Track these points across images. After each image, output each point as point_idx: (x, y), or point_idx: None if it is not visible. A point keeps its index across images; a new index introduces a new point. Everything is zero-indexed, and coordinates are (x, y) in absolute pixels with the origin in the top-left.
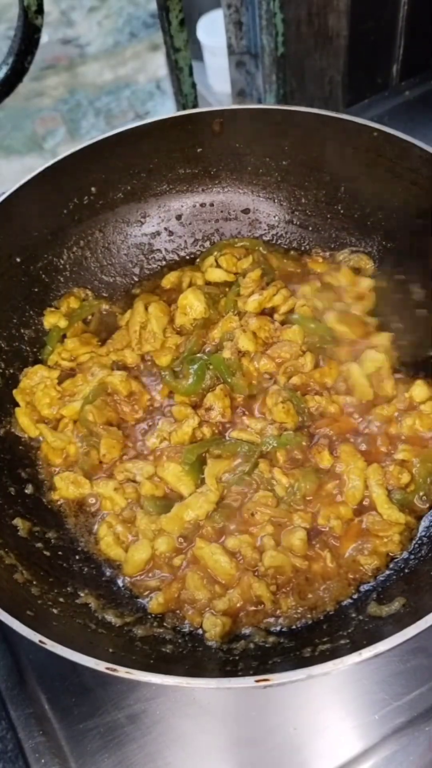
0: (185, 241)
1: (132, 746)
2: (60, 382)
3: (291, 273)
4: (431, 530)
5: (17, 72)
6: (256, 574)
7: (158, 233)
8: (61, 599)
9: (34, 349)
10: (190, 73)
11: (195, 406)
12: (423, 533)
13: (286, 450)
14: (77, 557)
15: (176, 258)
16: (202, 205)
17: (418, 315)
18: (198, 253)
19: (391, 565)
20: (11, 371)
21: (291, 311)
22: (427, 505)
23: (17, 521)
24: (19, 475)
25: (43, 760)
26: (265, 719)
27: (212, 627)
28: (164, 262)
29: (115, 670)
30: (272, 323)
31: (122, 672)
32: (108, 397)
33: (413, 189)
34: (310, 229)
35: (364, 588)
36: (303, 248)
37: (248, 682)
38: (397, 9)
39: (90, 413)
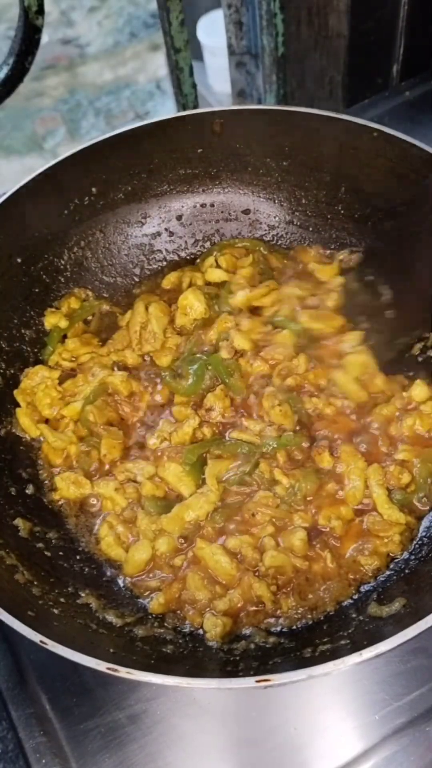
0: (186, 242)
1: (133, 746)
2: (61, 383)
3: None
4: (431, 530)
5: (18, 72)
6: (256, 574)
7: (159, 234)
8: (62, 599)
9: (35, 350)
10: (191, 73)
11: (195, 407)
12: (423, 533)
13: (286, 451)
14: (78, 557)
15: (177, 258)
16: (203, 205)
17: (387, 317)
18: (198, 253)
19: (391, 566)
20: (12, 372)
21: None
22: (428, 506)
23: (18, 521)
24: (19, 475)
25: (43, 761)
26: (266, 719)
27: (213, 627)
28: (165, 263)
29: (116, 670)
30: (264, 326)
31: (123, 672)
32: (109, 397)
33: (414, 189)
34: (311, 229)
35: (364, 588)
36: None
37: (249, 682)
38: (397, 9)
39: (91, 413)
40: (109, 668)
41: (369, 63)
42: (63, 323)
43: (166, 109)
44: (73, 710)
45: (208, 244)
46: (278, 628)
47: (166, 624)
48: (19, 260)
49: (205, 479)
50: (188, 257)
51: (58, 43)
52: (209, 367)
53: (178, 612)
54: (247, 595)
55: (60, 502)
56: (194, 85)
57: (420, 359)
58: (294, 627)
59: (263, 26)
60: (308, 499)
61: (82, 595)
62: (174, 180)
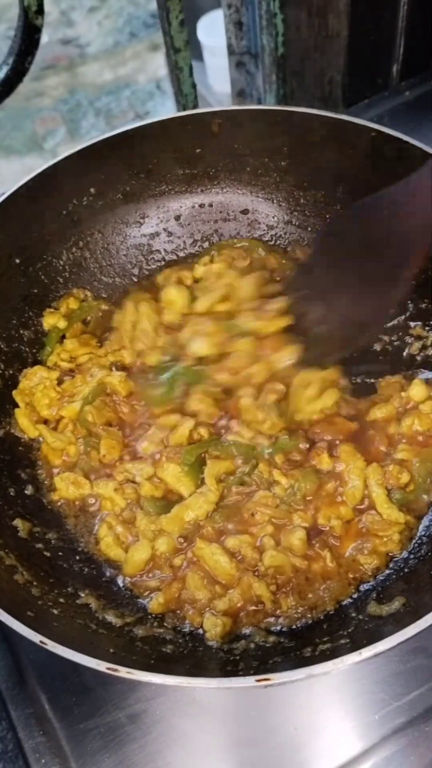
0: (184, 242)
1: (132, 746)
2: (59, 383)
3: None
4: (431, 530)
5: (17, 72)
6: (256, 574)
7: (157, 234)
8: (62, 600)
9: (34, 350)
10: (190, 73)
11: (181, 414)
12: (423, 533)
13: (284, 453)
14: (77, 558)
15: (175, 258)
16: (201, 205)
17: (317, 332)
18: (197, 253)
19: (390, 565)
20: (10, 372)
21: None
22: (428, 505)
23: (17, 522)
24: (19, 475)
25: (43, 760)
26: (266, 719)
27: (213, 627)
28: (163, 263)
29: (115, 670)
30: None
31: (123, 672)
32: (107, 397)
33: None
34: (309, 229)
35: (364, 587)
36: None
37: (249, 681)
38: (397, 9)
39: (89, 414)
40: (109, 668)
41: (369, 63)
42: (62, 324)
43: (166, 109)
44: (72, 710)
45: (206, 244)
46: (278, 628)
47: (165, 624)
48: (17, 261)
49: (204, 479)
50: (187, 257)
51: (58, 43)
52: (180, 374)
53: (178, 612)
54: (247, 595)
55: (59, 503)
56: (194, 85)
57: (418, 358)
58: (294, 626)
59: (263, 26)
60: (307, 498)
61: (82, 595)
62: (173, 180)
